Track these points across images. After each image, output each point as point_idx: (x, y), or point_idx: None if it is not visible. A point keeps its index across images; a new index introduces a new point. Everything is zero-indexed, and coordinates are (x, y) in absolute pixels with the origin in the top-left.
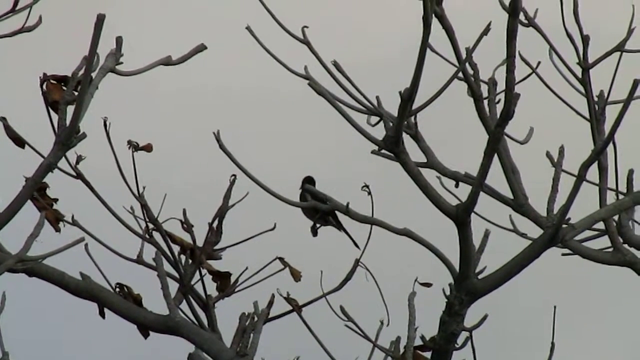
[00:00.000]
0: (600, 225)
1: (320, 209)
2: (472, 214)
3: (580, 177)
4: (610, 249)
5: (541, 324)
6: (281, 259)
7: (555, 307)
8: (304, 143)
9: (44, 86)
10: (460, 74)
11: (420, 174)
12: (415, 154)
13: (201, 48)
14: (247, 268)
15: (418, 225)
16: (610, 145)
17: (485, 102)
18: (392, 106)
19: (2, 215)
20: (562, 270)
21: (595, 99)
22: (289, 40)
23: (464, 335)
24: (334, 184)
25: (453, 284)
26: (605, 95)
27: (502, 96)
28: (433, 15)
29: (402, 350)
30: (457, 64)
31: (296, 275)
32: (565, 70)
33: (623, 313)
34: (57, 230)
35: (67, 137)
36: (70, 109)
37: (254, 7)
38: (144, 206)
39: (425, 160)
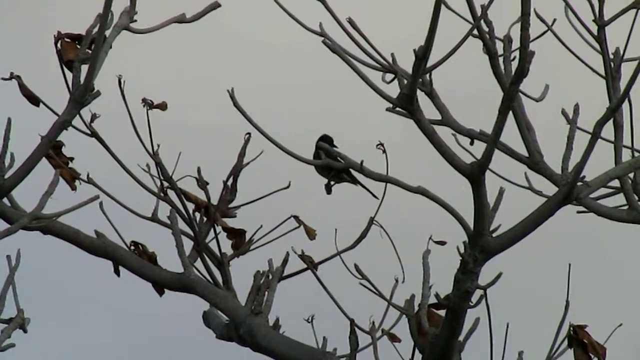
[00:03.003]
0: (616, 182)
1: (334, 167)
2: (487, 172)
3: (595, 135)
4: (626, 207)
5: (555, 282)
6: (296, 217)
7: (569, 265)
8: (318, 100)
9: (59, 44)
10: (475, 31)
11: (434, 131)
12: (430, 112)
13: (215, 6)
14: (261, 226)
15: (432, 183)
16: (626, 102)
17: (500, 59)
18: (407, 64)
19: (17, 173)
20: (577, 228)
21: (611, 56)
22: None
23: (478, 293)
24: (348, 142)
25: (467, 241)
26: (621, 52)
27: (517, 54)
28: None
29: (416, 308)
30: (472, 21)
31: (311, 234)
32: (581, 28)
33: (638, 271)
34: (73, 188)
35: (82, 95)
36: (85, 68)
37: None
38: (159, 164)
39: (440, 118)
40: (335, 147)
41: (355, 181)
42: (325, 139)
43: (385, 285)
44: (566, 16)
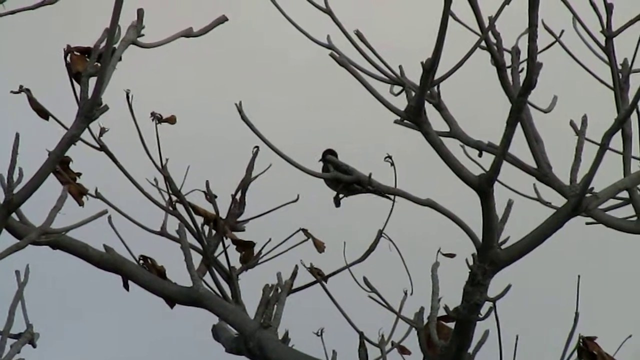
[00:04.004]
0: (625, 194)
1: (343, 180)
2: (496, 184)
3: (604, 146)
4: (634, 218)
5: (565, 294)
6: (304, 230)
7: (579, 276)
8: (326, 113)
9: (68, 58)
10: (483, 43)
11: (442, 143)
12: (438, 124)
13: (222, 20)
14: (270, 239)
15: (441, 195)
16: (634, 113)
17: (508, 71)
18: (414, 76)
19: (25, 188)
20: (586, 240)
21: (619, 67)
22: (311, 9)
23: (487, 305)
24: (356, 155)
25: (476, 254)
26: (629, 63)
27: (525, 65)
28: None
29: (425, 321)
30: (479, 32)
31: (319, 247)
32: (589, 39)
33: None
34: (81, 204)
35: (89, 109)
36: (93, 82)
37: None
38: (167, 178)
39: (448, 130)
40: None
41: (366, 190)
42: (329, 153)
43: (394, 298)
44: (574, 27)
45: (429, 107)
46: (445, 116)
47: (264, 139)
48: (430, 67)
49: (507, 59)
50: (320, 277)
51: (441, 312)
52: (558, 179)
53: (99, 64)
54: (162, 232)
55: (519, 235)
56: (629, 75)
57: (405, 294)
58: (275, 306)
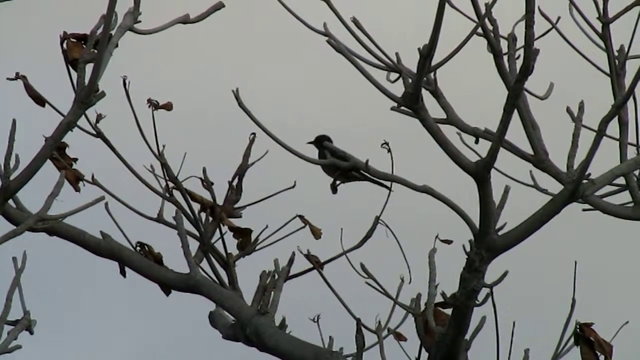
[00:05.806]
0: (621, 180)
1: (340, 166)
2: (492, 170)
3: (601, 132)
4: (631, 204)
5: (562, 280)
6: (301, 217)
7: (575, 262)
8: (323, 100)
9: (64, 45)
10: (480, 30)
11: (439, 130)
12: (435, 111)
13: (219, 6)
14: (267, 226)
15: (438, 182)
16: (631, 99)
17: (505, 57)
18: (411, 63)
19: (22, 174)
20: (583, 226)
21: (616, 53)
22: None
23: (484, 291)
24: (353, 141)
25: (473, 240)
26: (626, 49)
27: (521, 52)
28: None
29: (422, 307)
30: (476, 19)
31: (316, 233)
32: (585, 25)
33: None
34: (77, 189)
35: (86, 95)
36: (90, 68)
37: None
38: (164, 165)
39: (445, 117)
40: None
41: (364, 178)
42: (324, 139)
43: (392, 285)
44: (570, 14)
45: (425, 94)
46: (442, 103)
47: (261, 125)
48: (427, 53)
49: (504, 45)
50: (317, 263)
51: (438, 299)
52: (555, 165)
53: (95, 51)
54: (159, 219)
55: (516, 222)
56: (626, 62)
57: (402, 280)
58: (272, 293)
